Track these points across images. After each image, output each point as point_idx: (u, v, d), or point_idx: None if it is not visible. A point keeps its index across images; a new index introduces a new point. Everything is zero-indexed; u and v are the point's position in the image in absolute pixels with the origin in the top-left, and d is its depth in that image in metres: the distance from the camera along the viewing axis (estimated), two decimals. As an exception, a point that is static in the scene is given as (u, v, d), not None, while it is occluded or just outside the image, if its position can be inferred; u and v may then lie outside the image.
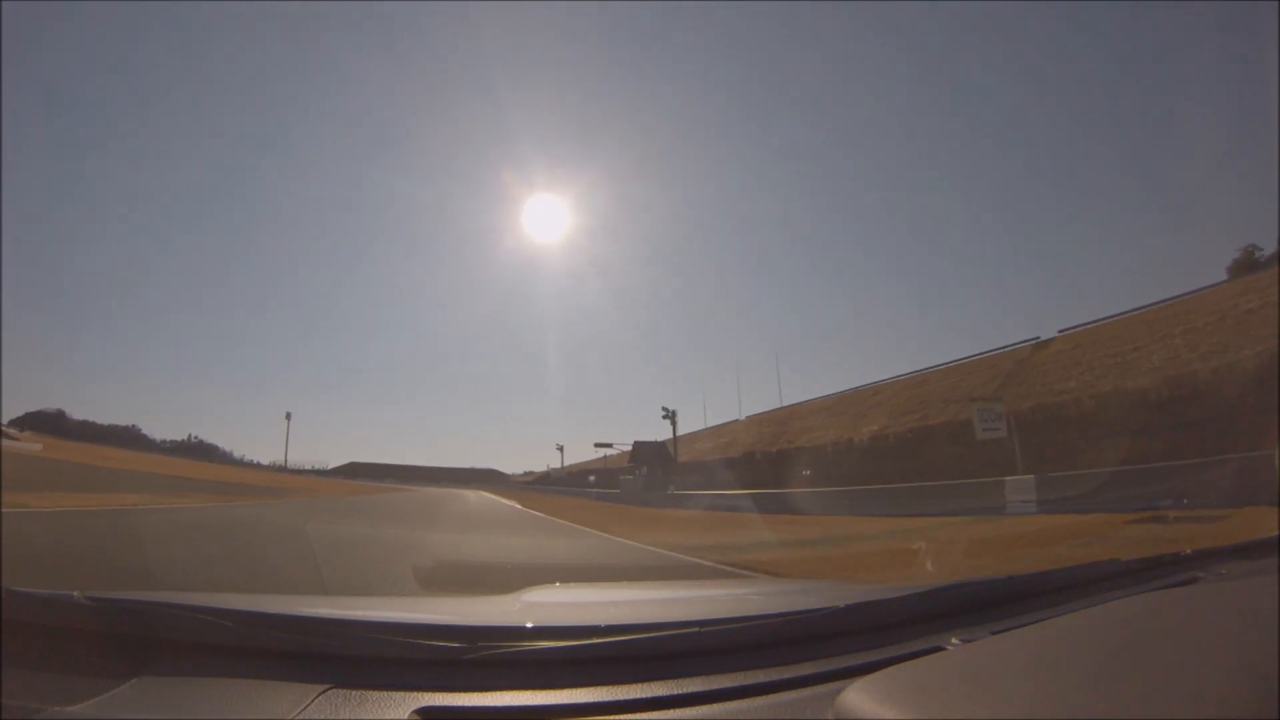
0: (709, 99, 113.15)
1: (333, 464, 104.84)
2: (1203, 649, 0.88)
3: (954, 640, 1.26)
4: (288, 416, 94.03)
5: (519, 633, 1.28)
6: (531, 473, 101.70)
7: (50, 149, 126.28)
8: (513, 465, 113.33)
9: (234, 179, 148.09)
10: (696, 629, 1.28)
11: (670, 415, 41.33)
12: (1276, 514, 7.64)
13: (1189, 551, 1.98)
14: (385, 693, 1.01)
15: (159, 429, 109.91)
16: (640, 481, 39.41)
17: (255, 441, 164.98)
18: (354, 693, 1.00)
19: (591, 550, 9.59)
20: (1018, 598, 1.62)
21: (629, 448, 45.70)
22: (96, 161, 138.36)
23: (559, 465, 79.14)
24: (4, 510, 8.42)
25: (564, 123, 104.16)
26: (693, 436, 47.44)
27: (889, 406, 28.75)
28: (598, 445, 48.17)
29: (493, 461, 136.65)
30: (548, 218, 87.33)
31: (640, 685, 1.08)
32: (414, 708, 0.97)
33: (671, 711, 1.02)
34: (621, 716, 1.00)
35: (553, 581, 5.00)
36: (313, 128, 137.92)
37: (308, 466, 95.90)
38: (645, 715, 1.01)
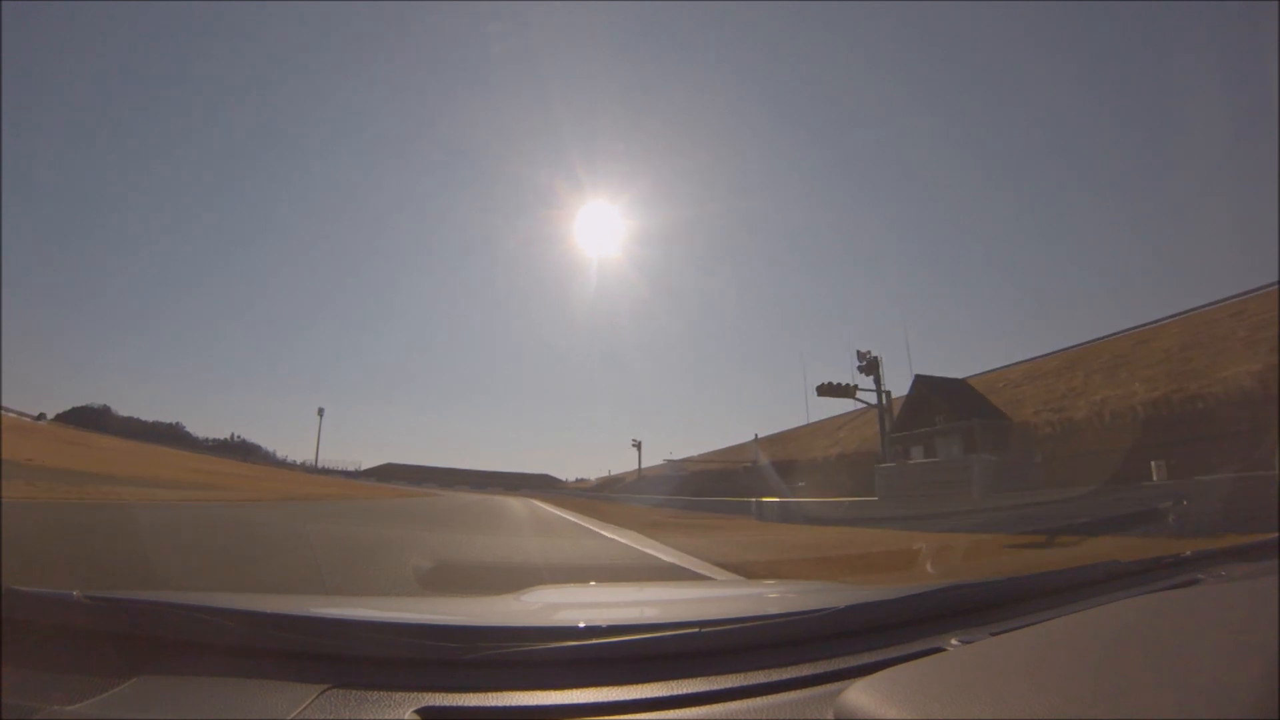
0: (760, 104, 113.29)
1: (370, 464, 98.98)
2: (1203, 650, 0.87)
3: (954, 641, 1.26)
4: (320, 413, 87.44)
5: (519, 633, 1.28)
6: (584, 481, 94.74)
7: (98, 159, 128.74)
8: (565, 471, 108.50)
9: (294, 185, 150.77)
10: (697, 629, 1.28)
11: (870, 364, 22.17)
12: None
13: (1189, 553, 1.98)
14: (385, 693, 1.01)
15: (205, 428, 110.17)
16: (987, 470, 17.02)
17: (300, 442, 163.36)
18: (354, 692, 1.00)
19: (592, 551, 9.57)
20: (1017, 599, 1.62)
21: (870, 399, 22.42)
22: (151, 173, 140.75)
23: (629, 468, 65.76)
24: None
25: (618, 128, 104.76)
26: (831, 425, 34.25)
27: (1215, 348, 18.48)
28: (825, 390, 22.71)
29: (545, 467, 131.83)
30: (609, 220, 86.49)
31: (640, 686, 1.08)
32: (414, 708, 0.97)
33: (672, 712, 1.02)
34: (622, 717, 1.00)
35: (553, 582, 4.99)
36: (373, 136, 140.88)
37: (338, 467, 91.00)
38: (645, 715, 1.01)
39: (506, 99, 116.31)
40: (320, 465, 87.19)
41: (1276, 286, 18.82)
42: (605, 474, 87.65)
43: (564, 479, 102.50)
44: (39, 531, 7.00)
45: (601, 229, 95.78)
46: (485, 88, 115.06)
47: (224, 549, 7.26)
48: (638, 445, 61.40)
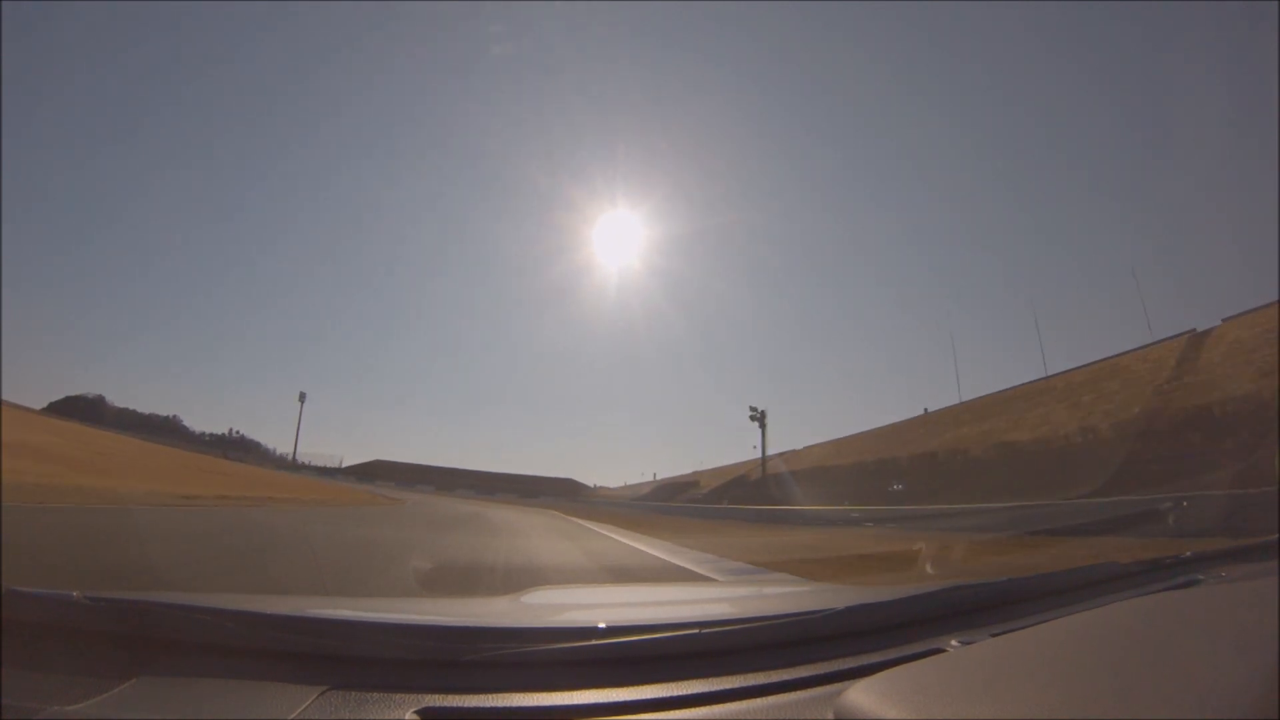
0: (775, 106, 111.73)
1: (357, 460, 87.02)
2: (1203, 651, 0.87)
3: (954, 642, 1.26)
4: (301, 398, 74.57)
5: (519, 634, 1.28)
6: (603, 488, 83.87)
7: (110, 160, 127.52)
8: (590, 476, 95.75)
9: (316, 184, 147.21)
10: (696, 630, 1.28)
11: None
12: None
13: (1189, 554, 1.98)
14: (385, 694, 1.00)
15: (205, 423, 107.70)
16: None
17: (307, 439, 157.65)
18: (353, 694, 1.00)
19: (592, 553, 9.57)
20: (1018, 600, 1.62)
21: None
22: (164, 173, 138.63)
23: (675, 472, 53.84)
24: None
25: (638, 132, 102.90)
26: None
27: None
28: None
29: (566, 470, 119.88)
30: (636, 220, 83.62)
31: (640, 687, 1.08)
32: (414, 709, 0.96)
33: (671, 713, 1.02)
34: (622, 718, 1.00)
35: (554, 583, 5.00)
36: (400, 138, 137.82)
37: (317, 462, 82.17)
38: (645, 716, 1.01)
39: (514, 99, 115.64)
40: (300, 460, 77.87)
41: (1276, 302, 18.84)
42: (651, 478, 75.99)
43: (588, 484, 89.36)
44: (39, 532, 6.99)
45: (628, 228, 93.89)
46: (491, 87, 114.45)
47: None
48: (760, 417, 36.52)
